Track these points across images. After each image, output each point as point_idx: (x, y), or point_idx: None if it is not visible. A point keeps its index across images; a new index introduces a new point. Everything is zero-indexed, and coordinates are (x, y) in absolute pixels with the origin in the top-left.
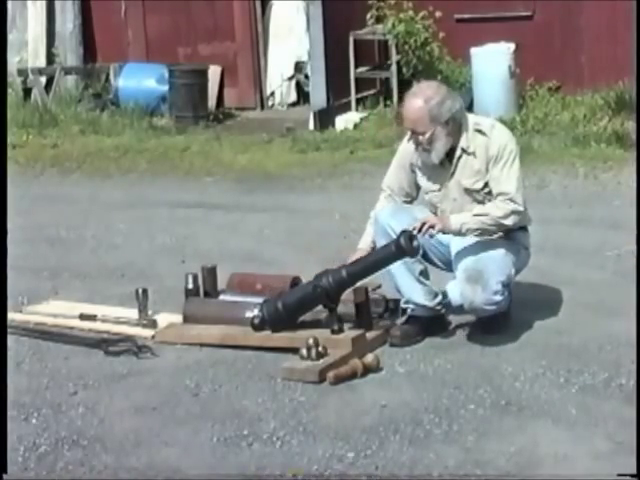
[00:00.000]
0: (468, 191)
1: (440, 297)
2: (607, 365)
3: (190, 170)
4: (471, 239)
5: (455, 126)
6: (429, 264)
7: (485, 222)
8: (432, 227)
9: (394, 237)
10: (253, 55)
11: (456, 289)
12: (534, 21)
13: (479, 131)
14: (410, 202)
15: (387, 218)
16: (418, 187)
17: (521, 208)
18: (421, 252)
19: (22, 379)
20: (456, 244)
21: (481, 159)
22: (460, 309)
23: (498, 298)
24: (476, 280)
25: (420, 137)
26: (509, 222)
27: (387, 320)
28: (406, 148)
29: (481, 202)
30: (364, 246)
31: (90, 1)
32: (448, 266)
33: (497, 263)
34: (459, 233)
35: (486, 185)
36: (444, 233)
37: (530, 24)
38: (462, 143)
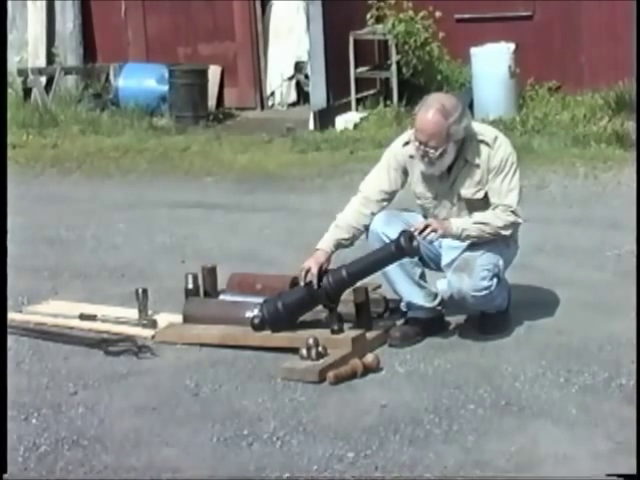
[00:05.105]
0: (467, 200)
1: (440, 297)
2: (607, 365)
3: (190, 170)
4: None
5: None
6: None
7: (485, 230)
8: (434, 231)
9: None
10: (253, 55)
11: (444, 281)
12: (534, 21)
13: (482, 142)
14: (382, 208)
15: (381, 226)
16: (396, 191)
17: (521, 220)
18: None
19: (22, 379)
20: (447, 244)
21: (482, 170)
22: (452, 301)
23: (485, 284)
24: (462, 268)
25: (431, 151)
26: (507, 232)
27: (387, 320)
28: (402, 152)
29: (477, 209)
30: (323, 247)
31: (90, 1)
32: (439, 267)
33: (483, 252)
34: (458, 238)
35: (486, 195)
36: (444, 237)
37: (530, 24)
38: (466, 154)
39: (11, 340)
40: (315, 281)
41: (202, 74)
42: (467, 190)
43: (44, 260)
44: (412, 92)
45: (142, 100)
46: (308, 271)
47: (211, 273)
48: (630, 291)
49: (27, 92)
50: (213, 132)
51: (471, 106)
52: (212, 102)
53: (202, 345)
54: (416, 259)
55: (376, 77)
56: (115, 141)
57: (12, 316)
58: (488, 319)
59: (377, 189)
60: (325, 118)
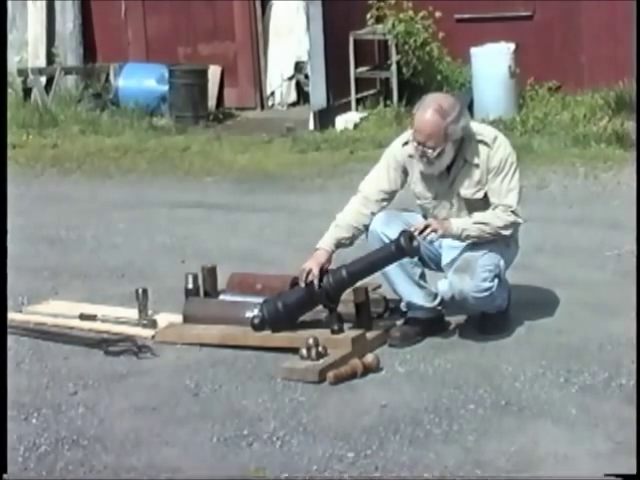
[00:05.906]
0: (467, 200)
1: (440, 297)
2: (607, 365)
3: (190, 170)
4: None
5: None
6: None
7: (485, 230)
8: (434, 231)
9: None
10: (253, 55)
11: (445, 282)
12: (534, 21)
13: (482, 142)
14: (382, 208)
15: (381, 226)
16: (396, 191)
17: (521, 220)
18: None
19: (22, 379)
20: (447, 244)
21: (482, 170)
22: (453, 302)
23: (486, 285)
24: (464, 269)
25: (429, 151)
26: (507, 232)
27: (387, 320)
28: (401, 152)
29: (477, 209)
30: (324, 246)
31: (90, 1)
32: (439, 267)
33: (484, 253)
34: (458, 238)
35: (486, 195)
36: (444, 237)
37: (530, 24)
38: (465, 154)
39: (11, 340)
40: (316, 282)
41: (202, 74)
42: (467, 190)
43: (44, 260)
44: (412, 92)
45: (142, 100)
46: (309, 272)
47: (211, 273)
48: (630, 291)
49: (27, 92)
50: (213, 132)
51: (471, 106)
52: (212, 102)
53: (202, 345)
54: (416, 259)
55: (376, 77)
56: (115, 141)
57: (12, 316)
58: (488, 319)
59: (377, 189)
60: (325, 118)
